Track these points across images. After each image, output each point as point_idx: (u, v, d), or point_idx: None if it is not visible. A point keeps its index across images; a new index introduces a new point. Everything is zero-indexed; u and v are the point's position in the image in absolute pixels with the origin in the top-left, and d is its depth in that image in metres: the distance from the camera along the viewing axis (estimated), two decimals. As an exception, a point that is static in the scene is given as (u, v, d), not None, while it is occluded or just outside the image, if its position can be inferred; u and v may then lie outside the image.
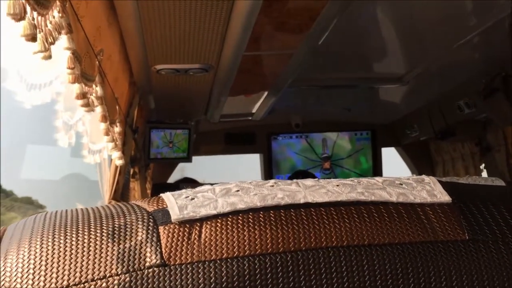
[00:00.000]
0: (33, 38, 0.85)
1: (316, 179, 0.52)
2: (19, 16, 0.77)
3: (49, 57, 0.93)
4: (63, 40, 1.04)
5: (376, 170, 4.03)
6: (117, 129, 1.91)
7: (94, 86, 1.41)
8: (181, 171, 3.92)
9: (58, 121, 1.75)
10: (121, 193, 2.26)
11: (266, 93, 2.79)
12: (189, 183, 3.41)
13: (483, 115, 2.86)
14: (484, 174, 3.31)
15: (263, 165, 4.05)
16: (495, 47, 2.16)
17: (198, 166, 3.94)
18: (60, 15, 0.98)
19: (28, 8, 0.81)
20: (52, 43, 0.94)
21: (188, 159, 3.28)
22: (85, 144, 1.96)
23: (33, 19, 0.85)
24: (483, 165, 3.33)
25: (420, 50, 2.35)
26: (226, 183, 0.52)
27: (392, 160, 4.22)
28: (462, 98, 2.83)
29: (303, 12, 1.65)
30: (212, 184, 0.52)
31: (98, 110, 1.55)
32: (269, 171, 3.99)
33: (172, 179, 3.92)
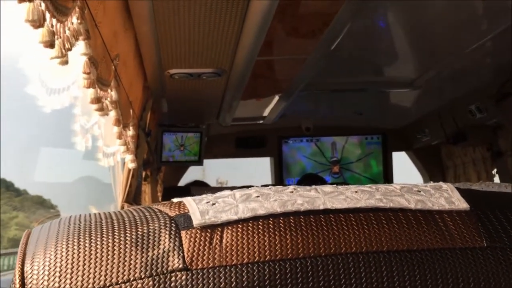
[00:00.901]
0: (51, 45, 0.86)
1: (335, 185, 0.52)
2: (38, 24, 0.78)
3: (66, 62, 0.94)
4: (80, 46, 1.06)
5: (387, 174, 4.01)
6: (131, 132, 1.92)
7: (109, 90, 1.42)
8: (203, 170, 3.95)
9: (76, 125, 1.77)
10: (133, 196, 2.28)
11: (278, 97, 2.80)
12: (199, 186, 3.42)
13: (494, 119, 2.85)
14: (496, 179, 3.29)
15: (273, 168, 4.06)
16: (508, 52, 2.16)
17: (218, 167, 3.99)
18: (79, 21, 1.00)
19: (48, 15, 0.82)
20: (70, 49, 0.96)
21: (199, 162, 3.30)
22: (100, 147, 1.98)
23: (52, 26, 0.86)
24: (495, 170, 3.31)
25: (431, 55, 2.35)
26: (245, 189, 0.52)
27: (403, 165, 4.21)
28: (474, 102, 2.82)
29: (316, 18, 1.65)
30: (231, 189, 0.53)
31: (112, 114, 1.57)
32: (279, 175, 3.99)
33: (183, 181, 3.93)
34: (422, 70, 2.56)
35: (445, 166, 3.98)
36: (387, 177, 4.01)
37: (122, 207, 2.16)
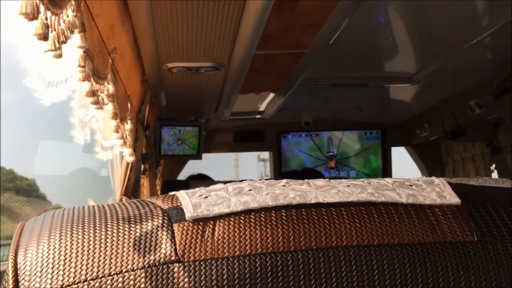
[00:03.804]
0: (45, 38, 0.85)
1: (327, 179, 0.52)
2: (31, 16, 0.78)
3: (60, 56, 0.94)
4: (77, 38, 1.05)
5: (386, 169, 4.01)
6: (129, 126, 1.92)
7: (106, 83, 1.42)
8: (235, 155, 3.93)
9: (74, 118, 1.77)
10: (132, 190, 2.28)
11: (276, 91, 2.80)
12: (201, 180, 3.41)
13: (494, 115, 2.85)
14: (495, 174, 3.29)
15: (272, 162, 4.06)
16: (508, 48, 2.15)
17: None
18: (74, 14, 0.99)
19: (42, 7, 0.82)
20: (64, 42, 0.95)
21: (198, 156, 3.30)
22: (97, 141, 1.98)
23: (46, 18, 0.85)
24: (494, 165, 3.32)
25: (431, 50, 2.34)
26: (238, 182, 0.52)
27: (403, 160, 4.21)
28: (473, 98, 2.82)
29: (315, 11, 1.65)
30: (224, 183, 0.53)
31: (109, 107, 1.57)
32: (278, 169, 4.00)
33: (182, 175, 3.93)
34: (422, 65, 2.56)
35: (445, 161, 3.98)
36: (386, 173, 4.01)
37: (120, 201, 2.16)
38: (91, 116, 1.80)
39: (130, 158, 2.04)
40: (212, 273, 0.44)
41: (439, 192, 0.50)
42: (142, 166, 2.69)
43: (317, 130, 3.98)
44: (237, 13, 1.50)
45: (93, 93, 1.30)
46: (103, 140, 1.98)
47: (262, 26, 1.59)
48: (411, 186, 0.51)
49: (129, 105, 1.84)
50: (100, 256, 0.45)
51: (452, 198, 0.49)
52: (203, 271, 0.44)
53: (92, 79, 1.21)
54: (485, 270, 0.45)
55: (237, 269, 0.44)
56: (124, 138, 1.87)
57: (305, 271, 0.44)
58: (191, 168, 3.92)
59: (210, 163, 4.10)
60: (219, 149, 4.06)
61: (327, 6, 1.61)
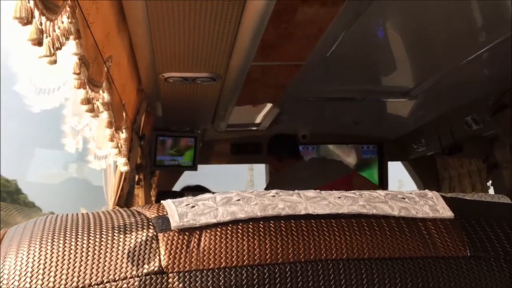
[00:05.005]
0: (39, 43, 0.84)
1: (318, 190, 0.51)
2: (25, 21, 0.77)
3: (55, 62, 0.93)
4: (72, 45, 1.05)
5: (382, 184, 4.01)
6: (123, 135, 1.91)
7: (101, 92, 1.41)
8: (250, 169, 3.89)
9: (66, 126, 1.76)
10: (125, 200, 2.26)
11: (273, 103, 2.79)
12: (197, 190, 3.39)
13: (491, 131, 2.85)
14: (491, 191, 3.29)
15: (269, 175, 4.05)
16: (505, 64, 2.16)
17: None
18: (69, 20, 0.99)
19: (36, 13, 0.81)
20: (59, 48, 0.94)
21: (193, 167, 3.28)
22: (90, 150, 1.96)
23: (41, 23, 0.85)
24: (490, 182, 3.31)
25: (428, 65, 2.35)
26: (227, 192, 0.51)
27: (399, 175, 4.21)
28: (470, 114, 2.82)
29: (312, 24, 1.65)
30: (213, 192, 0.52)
31: (104, 116, 1.56)
32: None
33: (178, 186, 3.91)
34: (419, 80, 2.56)
35: (441, 177, 3.97)
36: (383, 187, 4.00)
37: (113, 211, 2.14)
38: (84, 125, 1.78)
39: (124, 168, 2.02)
40: (197, 285, 0.43)
41: (432, 205, 0.49)
42: (137, 176, 2.67)
43: (314, 143, 3.97)
44: (234, 24, 1.50)
45: (88, 101, 1.29)
46: (96, 149, 1.97)
47: (259, 37, 1.58)
48: (404, 199, 0.50)
49: (124, 114, 1.83)
50: (81, 265, 0.44)
51: (445, 212, 0.48)
52: (188, 282, 0.43)
53: (87, 87, 1.20)
54: (478, 286, 0.44)
55: (222, 281, 0.43)
56: (119, 148, 1.85)
57: (292, 284, 0.43)
58: (190, 178, 3.90)
59: (219, 168, 4.09)
60: (216, 160, 4.04)
61: (324, 18, 1.61)
